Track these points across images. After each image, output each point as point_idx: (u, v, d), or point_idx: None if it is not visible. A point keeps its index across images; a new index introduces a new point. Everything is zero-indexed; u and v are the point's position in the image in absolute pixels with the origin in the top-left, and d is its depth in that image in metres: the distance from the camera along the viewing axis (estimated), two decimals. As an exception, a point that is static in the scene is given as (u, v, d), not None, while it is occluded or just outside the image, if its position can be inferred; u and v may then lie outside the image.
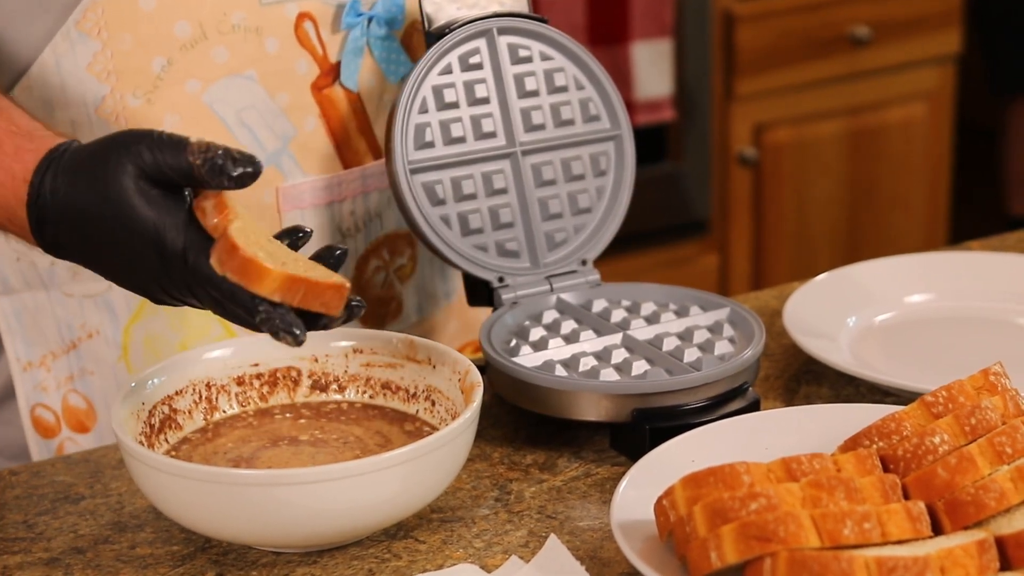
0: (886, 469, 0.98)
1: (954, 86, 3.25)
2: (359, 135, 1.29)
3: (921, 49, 3.17)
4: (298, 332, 0.97)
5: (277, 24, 1.22)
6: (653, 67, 2.86)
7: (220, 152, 0.97)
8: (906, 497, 0.95)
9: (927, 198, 3.29)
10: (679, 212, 3.02)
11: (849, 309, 1.34)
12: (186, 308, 1.02)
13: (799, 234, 3.15)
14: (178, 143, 0.98)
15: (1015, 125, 4.00)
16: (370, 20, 1.26)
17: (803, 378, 1.27)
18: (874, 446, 1.00)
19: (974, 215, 3.97)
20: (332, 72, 1.26)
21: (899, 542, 0.91)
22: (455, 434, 1.01)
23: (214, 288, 0.97)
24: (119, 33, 1.17)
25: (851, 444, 1.02)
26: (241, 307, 0.97)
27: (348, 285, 1.00)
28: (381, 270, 1.34)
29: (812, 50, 3.02)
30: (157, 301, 1.03)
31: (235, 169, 0.97)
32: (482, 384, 1.06)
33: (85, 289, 1.23)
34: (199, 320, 1.24)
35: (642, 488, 1.02)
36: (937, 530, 0.93)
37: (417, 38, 1.32)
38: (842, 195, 3.18)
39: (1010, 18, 3.82)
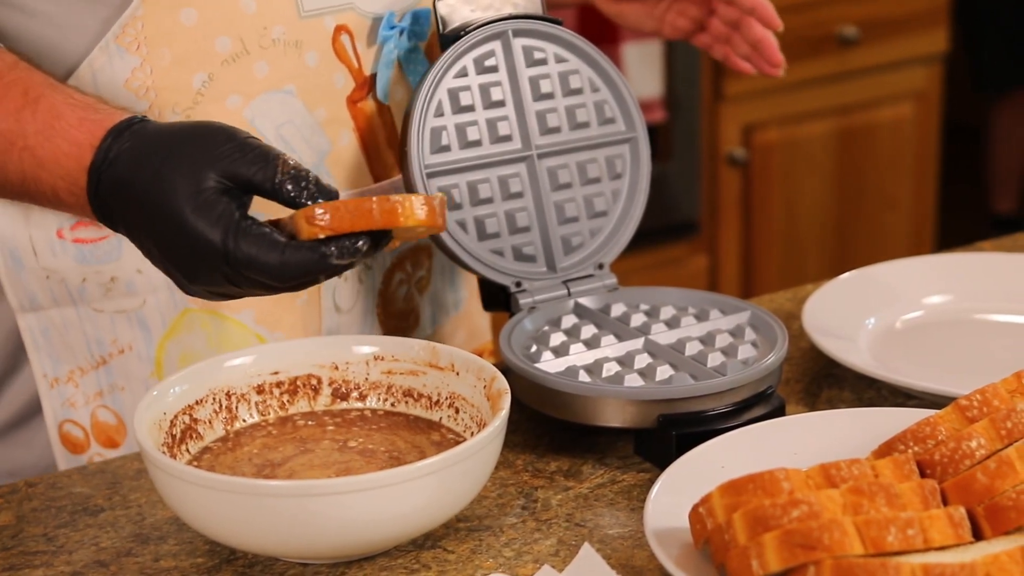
0: (922, 474, 0.97)
1: (942, 85, 3.26)
2: (388, 148, 1.28)
3: (909, 48, 3.17)
4: (368, 243, 0.99)
5: (316, 37, 1.20)
6: (644, 68, 2.85)
7: (310, 178, 0.99)
8: (944, 502, 0.94)
9: (914, 196, 3.29)
10: (668, 213, 3.01)
11: (867, 311, 1.33)
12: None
13: (788, 234, 3.15)
14: (267, 156, 0.98)
15: (999, 123, 4.01)
16: (402, 32, 1.25)
17: (824, 382, 1.26)
18: (910, 451, 0.99)
19: (957, 213, 3.97)
20: (366, 85, 1.24)
21: (940, 548, 0.90)
22: (485, 443, 0.99)
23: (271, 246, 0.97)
24: (159, 48, 1.15)
25: (886, 449, 1.01)
26: (307, 252, 0.97)
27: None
28: (404, 283, 1.32)
29: (801, 50, 3.02)
30: (192, 289, 1.01)
31: (319, 195, 0.99)
32: (509, 391, 1.05)
33: (117, 305, 1.21)
34: (238, 336, 1.22)
35: (673, 495, 1.00)
36: (977, 535, 0.92)
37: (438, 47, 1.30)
38: (831, 194, 3.18)
39: (994, 17, 3.83)
